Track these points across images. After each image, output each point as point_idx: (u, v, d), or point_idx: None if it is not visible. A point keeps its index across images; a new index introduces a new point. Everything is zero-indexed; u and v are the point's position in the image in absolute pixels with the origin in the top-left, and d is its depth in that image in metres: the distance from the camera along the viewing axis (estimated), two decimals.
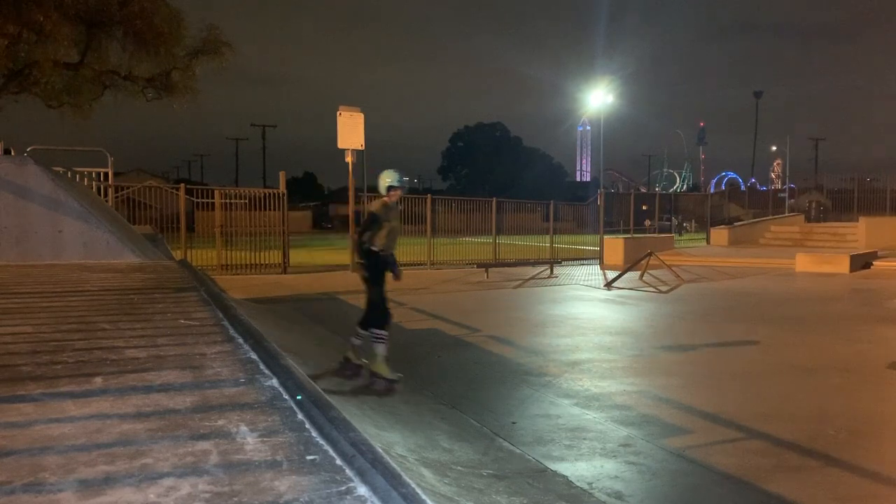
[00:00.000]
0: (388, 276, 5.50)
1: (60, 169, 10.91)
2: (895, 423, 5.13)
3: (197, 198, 16.99)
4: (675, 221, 36.23)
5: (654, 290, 13.16)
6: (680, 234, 32.92)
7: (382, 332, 5.39)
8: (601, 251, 20.19)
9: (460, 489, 3.46)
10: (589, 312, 10.28)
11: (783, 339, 8.12)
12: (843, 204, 28.08)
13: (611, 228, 23.54)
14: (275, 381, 2.49)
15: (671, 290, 13.14)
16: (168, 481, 1.57)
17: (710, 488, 3.75)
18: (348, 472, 1.63)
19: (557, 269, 17.30)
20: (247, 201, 16.87)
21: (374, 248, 5.41)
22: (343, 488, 1.54)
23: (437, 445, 4.15)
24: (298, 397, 2.26)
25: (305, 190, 76.07)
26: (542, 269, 17.28)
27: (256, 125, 67.14)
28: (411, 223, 20.24)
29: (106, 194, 14.32)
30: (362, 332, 5.51)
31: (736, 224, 26.62)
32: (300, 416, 2.08)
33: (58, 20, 16.03)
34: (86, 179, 13.29)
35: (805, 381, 6.12)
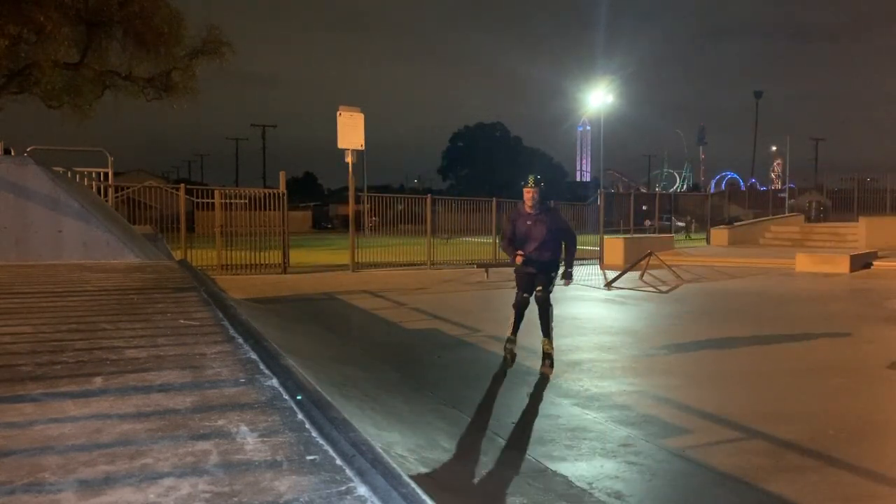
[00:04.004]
0: None
1: (60, 169, 10.90)
2: (895, 423, 5.13)
3: (197, 198, 16.99)
4: (681, 223, 36.09)
5: (654, 290, 13.17)
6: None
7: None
8: (601, 251, 20.19)
9: (460, 489, 3.46)
10: (589, 312, 10.28)
11: (783, 339, 8.12)
12: (843, 204, 28.09)
13: (611, 228, 23.55)
14: (275, 381, 2.49)
15: (671, 290, 13.15)
16: (168, 481, 1.57)
17: (710, 488, 3.76)
18: (348, 472, 1.63)
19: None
20: (247, 201, 16.87)
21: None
22: (343, 488, 1.53)
23: (437, 445, 4.15)
24: (298, 397, 2.26)
25: (305, 190, 76.07)
26: None
27: (256, 125, 67.40)
28: (411, 223, 20.25)
29: (106, 194, 14.31)
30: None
31: (736, 224, 26.62)
32: (300, 416, 2.08)
33: (58, 20, 16.04)
34: (86, 179, 13.29)
35: (805, 381, 6.12)
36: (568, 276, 6.64)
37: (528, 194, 6.42)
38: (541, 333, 6.53)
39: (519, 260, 6.32)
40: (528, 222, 6.42)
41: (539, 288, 6.43)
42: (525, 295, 6.50)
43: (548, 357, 6.47)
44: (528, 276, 6.44)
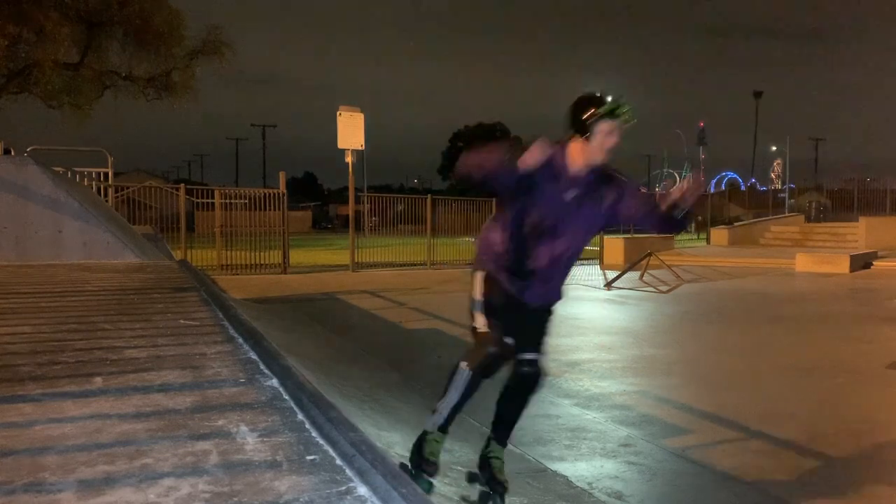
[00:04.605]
0: None
1: (60, 169, 10.90)
2: (895, 423, 5.13)
3: (197, 198, 16.99)
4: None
5: (654, 290, 13.16)
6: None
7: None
8: (601, 251, 20.19)
9: (460, 489, 3.46)
10: (589, 312, 10.28)
11: (783, 339, 8.12)
12: (843, 204, 28.09)
13: (611, 228, 23.50)
14: (275, 381, 2.49)
15: (671, 290, 13.14)
16: (168, 481, 1.57)
17: (710, 488, 3.75)
18: (348, 472, 1.63)
19: None
20: (247, 201, 16.87)
21: None
22: (343, 488, 1.54)
23: None
24: (299, 397, 2.26)
25: (305, 190, 76.10)
26: None
27: (256, 125, 67.36)
28: (411, 223, 20.25)
29: (106, 194, 14.31)
30: None
31: (736, 224, 26.63)
32: (300, 416, 2.08)
33: (58, 20, 16.05)
34: (86, 179, 13.29)
35: (805, 381, 6.12)
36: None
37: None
38: (492, 435, 3.25)
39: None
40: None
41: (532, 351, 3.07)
42: (509, 342, 2.93)
43: (499, 485, 3.09)
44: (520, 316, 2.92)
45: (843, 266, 16.21)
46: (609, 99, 2.76)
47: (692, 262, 18.82)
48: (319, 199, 73.61)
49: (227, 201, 16.52)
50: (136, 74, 19.08)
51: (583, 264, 19.90)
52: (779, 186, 46.16)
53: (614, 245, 20.08)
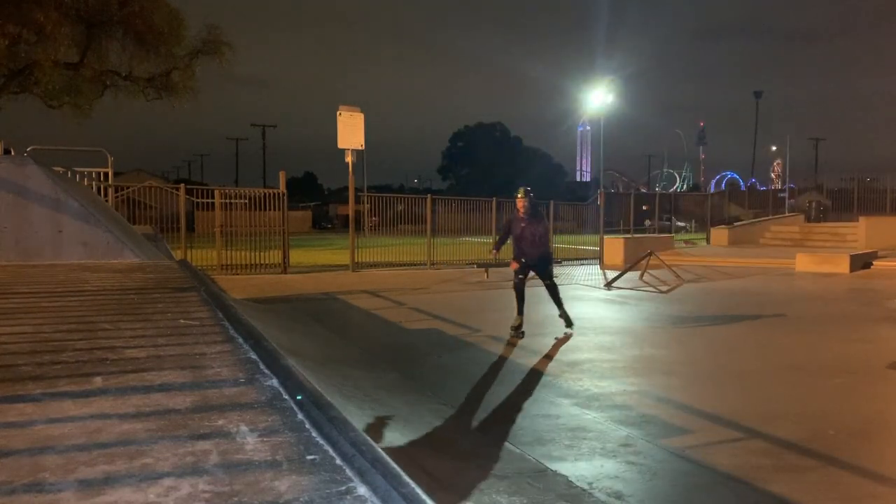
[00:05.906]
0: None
1: (60, 169, 10.90)
2: (895, 423, 5.13)
3: (197, 198, 16.98)
4: (682, 223, 36.16)
5: (654, 290, 13.17)
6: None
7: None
8: (601, 251, 20.19)
9: (461, 489, 3.46)
10: (589, 312, 10.28)
11: (783, 339, 8.12)
12: (843, 204, 28.08)
13: (611, 228, 23.53)
14: (275, 381, 2.49)
15: (671, 290, 13.15)
16: (168, 481, 1.57)
17: (710, 488, 3.76)
18: (348, 471, 1.63)
19: (557, 269, 17.28)
20: (247, 201, 16.86)
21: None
22: (343, 488, 1.53)
23: (437, 445, 4.15)
24: (298, 397, 2.26)
25: (305, 190, 76.09)
26: None
27: (256, 125, 67.30)
28: (411, 223, 20.25)
29: (106, 194, 14.31)
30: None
31: (736, 224, 26.62)
32: (300, 416, 2.08)
33: (58, 20, 16.06)
34: (86, 179, 13.28)
35: (805, 381, 6.12)
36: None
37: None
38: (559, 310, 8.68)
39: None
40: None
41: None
42: (521, 275, 8.63)
43: (569, 324, 8.52)
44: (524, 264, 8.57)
45: (843, 266, 16.21)
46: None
47: (692, 261, 18.82)
48: (319, 198, 73.56)
49: (227, 201, 16.52)
50: (136, 74, 19.08)
51: (583, 264, 19.93)
52: (779, 186, 46.14)
53: (614, 245, 20.07)
